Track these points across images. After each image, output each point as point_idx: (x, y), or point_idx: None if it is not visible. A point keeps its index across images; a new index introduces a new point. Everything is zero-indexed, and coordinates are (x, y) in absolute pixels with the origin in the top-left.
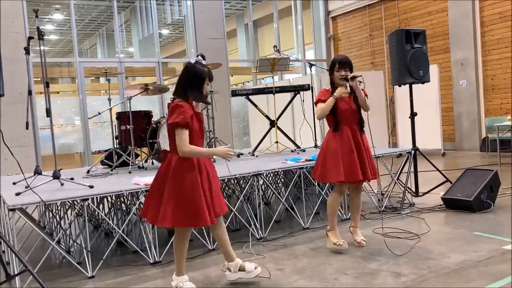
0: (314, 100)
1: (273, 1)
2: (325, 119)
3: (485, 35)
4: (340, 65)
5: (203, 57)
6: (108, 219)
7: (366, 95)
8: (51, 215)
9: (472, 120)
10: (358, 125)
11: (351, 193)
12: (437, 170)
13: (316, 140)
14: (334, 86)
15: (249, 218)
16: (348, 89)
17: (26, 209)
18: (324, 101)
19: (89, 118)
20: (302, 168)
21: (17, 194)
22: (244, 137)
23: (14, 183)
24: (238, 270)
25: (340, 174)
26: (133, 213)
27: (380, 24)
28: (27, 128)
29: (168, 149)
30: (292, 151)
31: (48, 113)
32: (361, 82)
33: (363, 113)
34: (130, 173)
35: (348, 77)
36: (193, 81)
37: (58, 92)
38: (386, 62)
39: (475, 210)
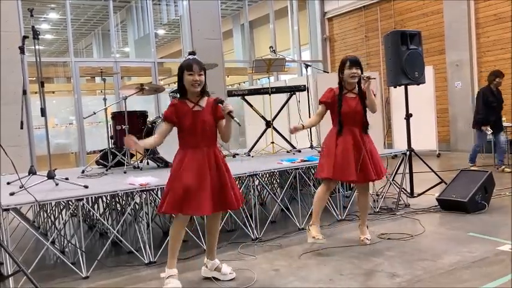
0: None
1: (269, 2)
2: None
3: (480, 37)
4: (351, 63)
5: (191, 53)
6: (102, 220)
7: (374, 94)
8: (45, 215)
9: (467, 121)
10: (361, 126)
11: (357, 193)
12: (432, 171)
13: (311, 141)
14: (342, 85)
15: (244, 218)
16: (356, 89)
17: (20, 209)
18: (325, 103)
19: (84, 118)
20: (297, 168)
21: (11, 194)
22: (240, 137)
23: (8, 183)
24: (214, 270)
25: (329, 171)
26: (128, 213)
27: (376, 26)
28: (21, 128)
29: (163, 151)
30: (287, 152)
31: (43, 112)
32: (374, 78)
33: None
34: (125, 173)
35: (363, 77)
36: (178, 79)
37: (53, 92)
38: (382, 63)
39: (469, 211)
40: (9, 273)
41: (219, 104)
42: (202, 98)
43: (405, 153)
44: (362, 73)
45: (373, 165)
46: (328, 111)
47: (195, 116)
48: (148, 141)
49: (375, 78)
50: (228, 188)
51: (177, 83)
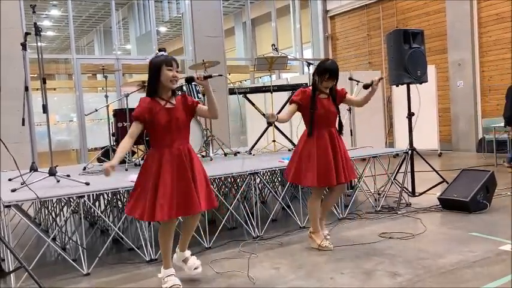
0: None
1: (271, 0)
2: (302, 120)
3: (482, 36)
4: (330, 76)
5: (162, 50)
6: (104, 217)
7: (346, 93)
8: (46, 212)
9: (468, 121)
10: (335, 127)
11: (330, 191)
12: (434, 170)
13: None
14: (315, 89)
15: (245, 216)
16: (328, 90)
17: (22, 205)
18: (297, 103)
19: (86, 115)
20: None
21: (13, 191)
22: (241, 135)
23: (9, 180)
24: (182, 261)
25: (315, 179)
26: None
27: (378, 24)
28: (23, 124)
29: None
30: (289, 150)
31: (45, 109)
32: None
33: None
34: (127, 170)
35: (375, 82)
36: (151, 75)
37: (55, 89)
38: (384, 62)
39: (471, 211)
40: (11, 270)
41: (196, 79)
42: (173, 96)
43: (407, 152)
44: (336, 83)
45: (346, 168)
46: (300, 114)
47: (169, 113)
48: (121, 152)
49: (382, 78)
50: (194, 190)
51: (148, 80)
